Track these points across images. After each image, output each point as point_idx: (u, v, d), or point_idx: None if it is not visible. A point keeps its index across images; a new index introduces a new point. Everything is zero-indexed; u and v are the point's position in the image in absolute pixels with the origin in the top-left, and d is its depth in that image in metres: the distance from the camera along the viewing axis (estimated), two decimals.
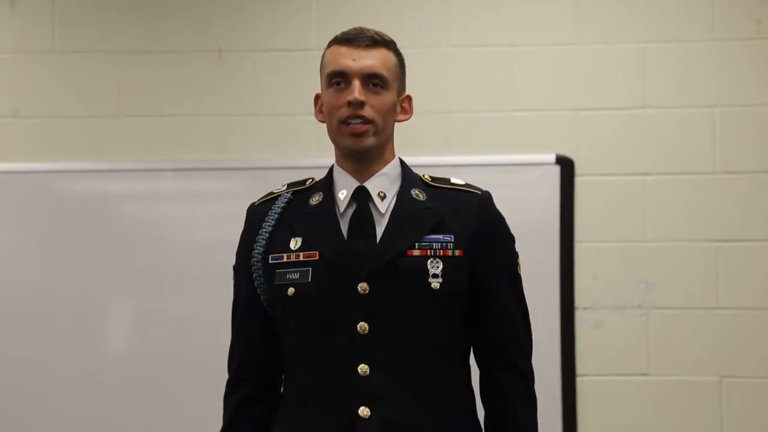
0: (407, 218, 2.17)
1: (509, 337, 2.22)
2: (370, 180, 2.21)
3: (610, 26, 4.02)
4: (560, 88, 4.02)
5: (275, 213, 2.23)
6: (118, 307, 4.06)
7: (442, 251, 2.15)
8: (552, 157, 3.95)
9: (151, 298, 4.01)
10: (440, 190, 2.23)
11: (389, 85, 2.19)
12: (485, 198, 2.24)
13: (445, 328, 2.16)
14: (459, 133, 4.02)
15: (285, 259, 2.18)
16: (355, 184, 2.21)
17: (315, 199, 2.23)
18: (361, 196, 2.20)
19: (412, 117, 2.29)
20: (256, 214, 2.27)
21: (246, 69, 4.13)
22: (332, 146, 2.25)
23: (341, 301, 2.11)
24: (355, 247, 2.14)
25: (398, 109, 2.24)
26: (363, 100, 2.15)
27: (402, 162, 2.27)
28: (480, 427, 2.22)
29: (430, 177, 2.27)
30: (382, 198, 2.20)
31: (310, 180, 2.29)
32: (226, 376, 2.29)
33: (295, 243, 2.19)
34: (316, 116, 2.27)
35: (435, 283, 2.13)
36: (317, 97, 2.26)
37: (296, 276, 2.15)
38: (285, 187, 2.29)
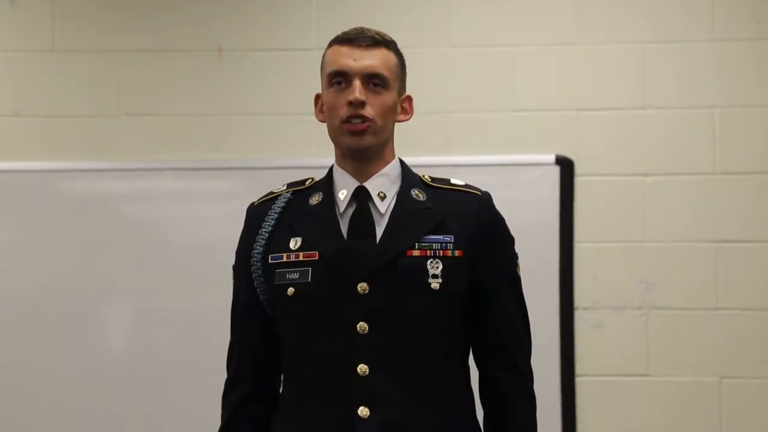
0: (407, 218, 2.17)
1: (509, 337, 2.22)
2: (370, 180, 2.21)
3: (610, 26, 4.02)
4: (560, 88, 4.02)
5: (275, 213, 2.24)
6: (117, 306, 4.06)
7: (441, 251, 2.15)
8: (552, 158, 3.95)
9: (150, 297, 4.01)
10: (440, 191, 2.23)
11: (390, 85, 2.19)
12: (485, 198, 2.24)
13: (444, 329, 2.16)
14: (459, 133, 4.02)
15: (285, 259, 2.18)
16: (355, 184, 2.21)
17: (315, 199, 2.23)
18: (361, 196, 2.20)
19: (412, 117, 2.29)
20: (255, 213, 2.27)
21: (246, 68, 4.13)
22: (332, 146, 2.25)
23: (341, 301, 2.11)
24: (355, 247, 2.14)
25: (398, 109, 2.24)
26: (363, 99, 2.15)
27: (402, 162, 2.27)
28: (479, 427, 2.22)
29: (430, 177, 2.27)
30: (382, 198, 2.20)
31: (310, 180, 2.29)
32: (225, 376, 2.29)
33: (294, 243, 2.19)
34: (317, 116, 2.27)
35: (435, 284, 2.13)
36: (317, 97, 2.26)
37: (296, 276, 2.15)
38: (285, 187, 2.29)
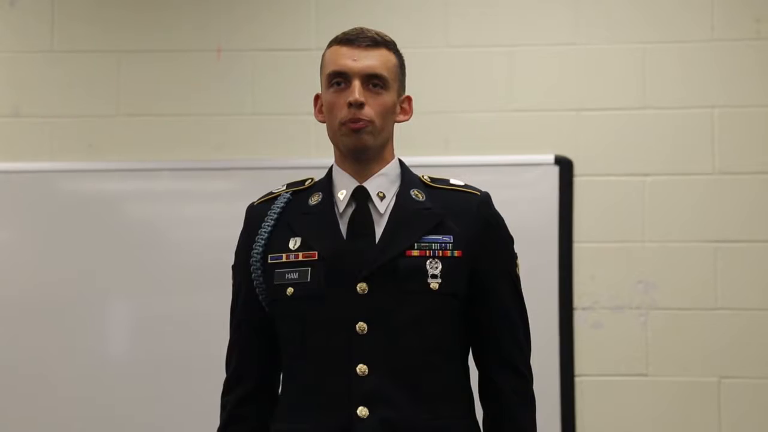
0: (406, 218, 2.18)
1: (508, 337, 2.22)
2: (369, 180, 2.21)
3: (610, 26, 4.03)
4: (559, 88, 4.02)
5: (274, 213, 2.24)
6: (116, 307, 4.06)
7: (441, 252, 2.15)
8: (551, 158, 3.95)
9: (149, 297, 4.01)
10: (439, 191, 2.23)
11: (389, 85, 2.19)
12: (484, 199, 2.24)
13: (443, 329, 2.16)
14: (458, 134, 4.02)
15: (284, 259, 2.18)
16: (354, 184, 2.21)
17: (314, 199, 2.23)
18: (360, 196, 2.20)
19: (411, 117, 2.29)
20: (255, 214, 2.27)
21: (245, 68, 4.13)
22: (332, 146, 2.25)
23: (340, 301, 2.12)
24: (355, 247, 2.14)
25: (398, 109, 2.24)
26: (363, 100, 2.15)
27: (401, 162, 2.27)
28: (478, 427, 2.22)
29: (430, 178, 2.27)
30: (382, 198, 2.20)
31: (310, 180, 2.29)
32: (225, 376, 2.29)
33: (294, 243, 2.19)
34: (316, 116, 2.27)
35: (434, 284, 2.14)
36: (317, 97, 2.27)
37: (295, 276, 2.16)
38: (284, 187, 2.29)
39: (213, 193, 4.10)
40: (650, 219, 3.95)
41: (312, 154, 3.89)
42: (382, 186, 2.21)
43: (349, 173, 2.22)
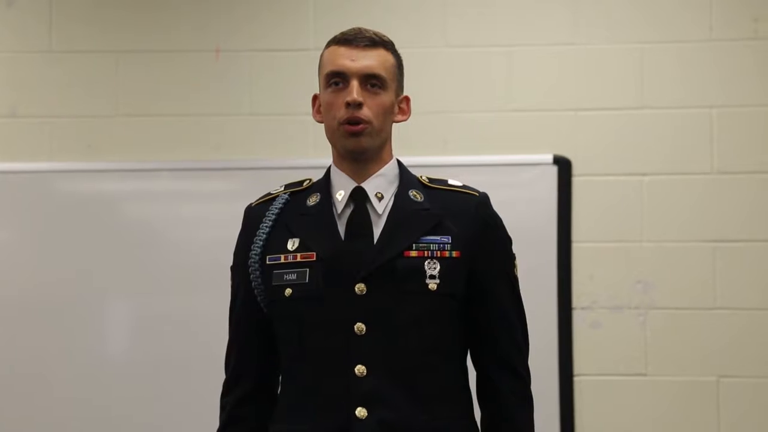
0: (405, 219, 2.17)
1: (506, 338, 2.22)
2: (367, 181, 2.20)
3: (608, 27, 4.02)
4: (558, 88, 4.02)
5: (272, 214, 2.23)
6: (115, 307, 4.06)
7: (439, 252, 2.15)
8: (549, 158, 3.95)
9: (148, 297, 4.01)
10: (438, 191, 2.23)
11: (387, 85, 2.19)
12: (483, 199, 2.24)
13: (442, 329, 2.15)
14: (456, 134, 4.02)
15: (282, 260, 2.18)
16: (352, 184, 2.20)
17: (312, 200, 2.23)
18: (358, 196, 2.19)
19: (409, 117, 2.29)
20: (253, 215, 2.26)
21: (244, 69, 4.13)
22: (329, 146, 2.25)
23: (338, 302, 2.11)
24: (353, 247, 2.14)
25: (396, 109, 2.24)
26: (361, 101, 2.15)
27: (400, 163, 2.27)
28: (477, 428, 2.22)
29: (428, 178, 2.27)
30: (380, 199, 2.20)
31: (308, 181, 2.29)
32: (224, 376, 2.29)
33: (292, 244, 2.19)
34: (314, 116, 2.27)
35: (432, 284, 2.13)
36: (315, 98, 2.26)
37: (293, 277, 2.15)
38: (282, 188, 2.29)
39: (211, 193, 4.10)
40: (649, 219, 3.95)
41: (310, 154, 3.89)
42: (381, 187, 2.21)
43: (347, 174, 2.21)
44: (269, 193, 2.29)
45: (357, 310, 2.11)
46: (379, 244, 2.15)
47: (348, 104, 2.15)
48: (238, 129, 4.11)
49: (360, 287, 2.12)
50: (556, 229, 3.92)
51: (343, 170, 2.22)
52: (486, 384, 2.22)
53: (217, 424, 2.28)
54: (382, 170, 2.22)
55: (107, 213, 4.06)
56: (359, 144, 2.17)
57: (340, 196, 2.20)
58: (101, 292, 4.02)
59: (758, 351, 3.88)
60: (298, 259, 2.17)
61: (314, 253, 2.15)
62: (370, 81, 2.17)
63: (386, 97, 2.19)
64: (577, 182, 3.96)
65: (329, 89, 2.19)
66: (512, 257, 2.26)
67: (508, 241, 2.26)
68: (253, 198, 2.32)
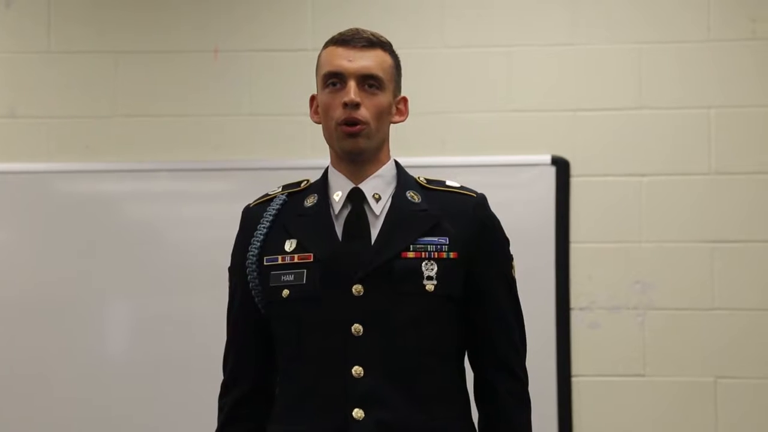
0: (402, 220, 2.17)
1: (504, 339, 2.21)
2: (365, 182, 2.20)
3: (606, 27, 4.03)
4: (556, 88, 4.02)
5: (270, 215, 2.23)
6: (114, 307, 4.06)
7: (436, 253, 2.15)
8: (548, 158, 3.96)
9: (147, 297, 4.01)
10: (435, 192, 2.23)
11: (385, 86, 2.19)
12: (480, 200, 2.24)
13: (439, 331, 2.15)
14: (454, 134, 4.02)
15: (280, 261, 2.18)
16: (350, 185, 2.20)
17: (310, 201, 2.23)
18: (356, 197, 2.19)
19: (407, 118, 2.29)
20: (251, 215, 2.26)
21: (242, 69, 4.13)
22: (327, 147, 2.25)
23: (336, 303, 2.11)
24: (350, 249, 2.14)
25: (394, 110, 2.24)
26: (358, 101, 2.15)
27: (397, 164, 2.27)
28: (474, 429, 2.22)
29: (426, 179, 2.27)
30: (377, 200, 2.20)
31: (305, 182, 2.29)
32: (222, 377, 2.29)
33: (289, 245, 2.19)
34: (312, 117, 2.27)
35: (429, 286, 2.13)
36: (312, 98, 2.26)
37: (291, 278, 2.15)
38: (280, 189, 2.29)
39: (210, 193, 4.10)
40: (647, 219, 3.95)
41: (309, 154, 3.89)
42: (378, 187, 2.21)
43: (344, 175, 2.21)
44: (267, 194, 2.29)
45: (354, 311, 2.11)
46: (377, 245, 2.15)
47: (345, 104, 2.15)
48: (237, 129, 4.11)
49: (357, 288, 2.12)
50: (554, 229, 3.92)
51: (340, 171, 2.22)
52: (483, 385, 2.22)
53: (215, 424, 2.28)
54: (379, 171, 2.22)
55: (106, 213, 4.06)
56: (357, 145, 2.17)
57: (338, 197, 2.20)
58: (100, 292, 4.02)
59: (756, 352, 3.88)
60: (296, 260, 2.17)
61: (311, 254, 2.15)
62: (368, 81, 2.17)
63: (384, 98, 2.18)
64: (576, 183, 3.96)
65: (326, 90, 2.19)
66: (510, 258, 2.26)
67: (506, 242, 2.26)
68: (252, 198, 2.32)
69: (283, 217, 2.22)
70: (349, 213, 2.18)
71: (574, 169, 3.96)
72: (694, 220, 3.94)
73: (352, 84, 2.16)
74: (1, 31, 4.21)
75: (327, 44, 2.23)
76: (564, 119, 4.00)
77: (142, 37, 4.17)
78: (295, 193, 2.26)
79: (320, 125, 2.23)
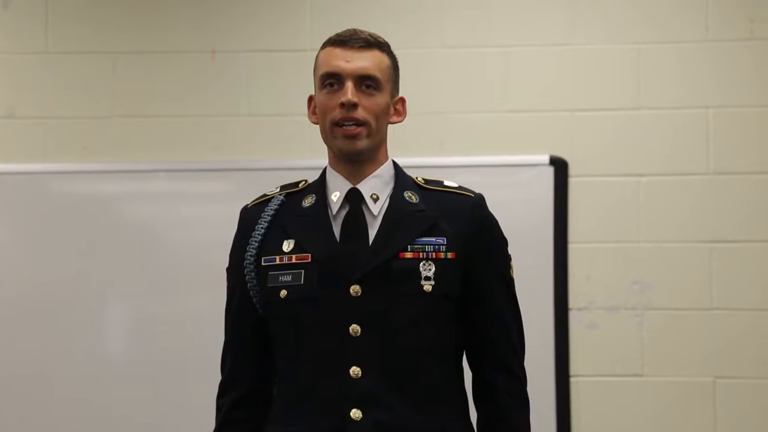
0: (400, 220, 2.17)
1: (502, 339, 2.21)
2: (363, 182, 2.20)
3: (605, 27, 4.03)
4: (554, 88, 4.02)
5: (268, 215, 2.23)
6: (113, 308, 4.06)
7: (434, 254, 2.15)
8: (546, 158, 3.96)
9: (146, 298, 4.01)
10: (433, 193, 2.23)
11: (382, 87, 2.19)
12: (478, 200, 2.24)
13: (437, 331, 2.15)
14: (453, 134, 4.02)
15: (277, 261, 2.18)
16: (347, 186, 2.20)
17: (308, 201, 2.23)
18: (353, 198, 2.19)
19: (405, 119, 2.29)
20: (249, 216, 2.26)
21: (240, 69, 4.13)
22: (326, 147, 2.25)
23: (333, 304, 2.11)
24: (348, 249, 2.14)
25: (391, 111, 2.24)
26: (356, 101, 2.15)
27: (395, 164, 2.27)
28: (473, 429, 2.21)
29: (424, 179, 2.26)
30: (375, 200, 2.20)
31: (303, 182, 2.29)
32: (219, 377, 2.29)
33: (287, 245, 2.18)
34: (310, 118, 2.26)
35: (427, 286, 2.13)
36: (310, 99, 2.26)
37: (289, 278, 2.15)
38: (278, 189, 2.29)
39: (208, 194, 4.10)
40: (646, 219, 3.95)
41: (307, 155, 3.88)
42: (376, 188, 2.21)
43: (342, 175, 2.21)
44: (265, 194, 2.29)
45: (352, 312, 2.11)
46: (375, 245, 2.15)
47: (342, 105, 2.15)
48: (236, 130, 4.11)
49: (355, 289, 2.12)
50: (552, 229, 3.92)
51: (338, 171, 2.22)
52: (482, 385, 2.21)
53: (214, 424, 2.28)
54: (377, 171, 2.22)
55: (104, 214, 4.06)
56: (354, 146, 2.17)
57: (336, 197, 2.20)
58: (98, 292, 4.02)
59: (755, 352, 3.88)
60: (293, 261, 2.16)
61: (309, 255, 2.15)
62: (365, 82, 2.16)
63: (381, 99, 2.18)
64: (574, 183, 3.96)
65: (324, 90, 2.18)
66: (508, 258, 2.25)
67: (504, 241, 2.26)
68: (250, 199, 2.32)
69: (281, 218, 2.22)
70: (347, 213, 2.18)
71: (572, 170, 3.96)
72: (692, 220, 3.94)
73: (349, 84, 2.16)
74: None
75: (324, 45, 2.23)
76: (562, 119, 4.00)
77: (140, 38, 4.17)
78: (293, 193, 2.26)
79: (318, 126, 2.23)
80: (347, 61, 2.17)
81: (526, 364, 2.26)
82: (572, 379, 3.90)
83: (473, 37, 4.06)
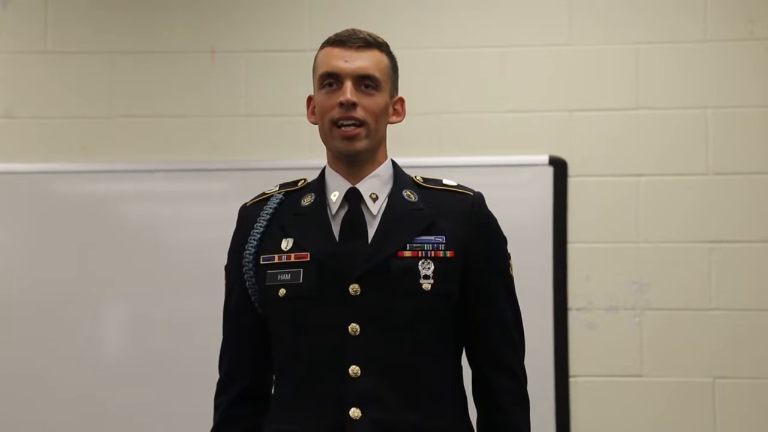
0: (399, 219, 2.17)
1: (501, 337, 2.21)
2: (362, 181, 2.20)
3: (603, 27, 4.03)
4: (553, 89, 4.02)
5: (267, 214, 2.23)
6: (111, 308, 4.06)
7: (433, 252, 2.15)
8: (545, 158, 3.96)
9: (144, 298, 4.01)
10: (432, 191, 2.23)
11: (381, 86, 2.19)
12: (477, 199, 2.24)
13: (436, 329, 2.15)
14: (452, 134, 4.02)
15: (276, 260, 2.18)
16: (347, 185, 2.20)
17: (307, 200, 2.23)
18: (352, 197, 2.19)
19: (404, 119, 2.28)
20: (247, 214, 2.26)
21: (240, 70, 4.13)
22: (325, 147, 2.25)
23: (332, 303, 2.11)
24: (347, 248, 2.14)
25: (391, 111, 2.24)
26: (355, 101, 2.15)
27: (394, 163, 2.27)
28: (472, 428, 2.22)
29: (422, 178, 2.27)
30: (374, 199, 2.20)
31: (303, 181, 2.29)
32: (217, 376, 2.29)
33: (286, 244, 2.18)
34: (309, 118, 2.27)
35: (426, 285, 2.13)
36: (309, 99, 2.26)
37: (287, 277, 2.15)
38: (277, 188, 2.29)
39: (207, 194, 4.10)
40: (644, 219, 3.95)
41: (306, 155, 3.88)
42: (375, 187, 2.21)
43: (341, 174, 2.21)
44: (264, 193, 2.29)
45: (351, 311, 2.11)
46: (373, 244, 2.15)
47: (341, 104, 2.15)
48: (234, 130, 4.10)
49: (354, 288, 2.12)
50: (551, 229, 3.92)
51: (337, 171, 2.22)
52: (481, 383, 2.22)
53: (211, 424, 2.28)
54: (376, 171, 2.22)
55: (103, 214, 4.06)
56: (353, 147, 2.17)
57: (335, 196, 2.20)
58: (97, 292, 4.02)
59: (754, 352, 3.88)
60: (292, 260, 2.17)
61: (308, 254, 2.15)
62: (364, 82, 2.17)
63: (380, 98, 2.18)
64: (573, 183, 3.96)
65: (323, 90, 2.19)
66: (507, 256, 2.26)
67: (503, 240, 2.26)
68: (248, 198, 2.32)
69: (280, 216, 2.22)
70: (346, 213, 2.18)
71: (571, 170, 3.96)
72: (691, 221, 3.94)
73: (348, 84, 2.16)
74: None
75: (323, 45, 2.24)
76: (561, 119, 4.00)
77: (140, 38, 4.17)
78: (292, 192, 2.27)
79: (317, 126, 2.23)
80: (346, 61, 2.17)
81: (525, 363, 2.26)
82: (571, 379, 3.90)
83: (472, 37, 4.06)
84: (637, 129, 3.98)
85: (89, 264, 4.01)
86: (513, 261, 2.28)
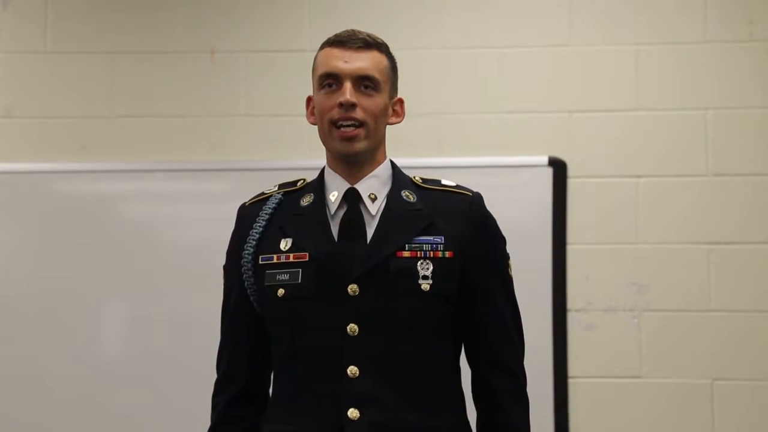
0: (397, 220, 2.17)
1: (501, 338, 2.21)
2: (361, 182, 2.20)
3: (603, 28, 4.03)
4: (553, 89, 4.02)
5: (266, 213, 2.23)
6: (111, 308, 4.06)
7: (432, 252, 2.15)
8: (544, 159, 3.95)
9: (144, 298, 4.01)
10: (431, 192, 2.23)
11: (381, 87, 2.19)
12: (476, 199, 2.24)
13: (435, 330, 2.15)
14: (451, 135, 4.02)
15: (275, 260, 2.18)
16: (346, 185, 2.20)
17: (306, 200, 2.23)
18: (351, 197, 2.19)
19: (403, 120, 2.28)
20: (246, 214, 2.27)
21: (239, 70, 4.13)
22: (324, 147, 2.25)
23: (331, 303, 2.11)
24: (346, 248, 2.14)
25: (390, 111, 2.24)
26: (354, 101, 2.15)
27: (393, 164, 2.27)
28: (470, 428, 2.22)
29: (421, 179, 2.27)
30: (373, 200, 2.20)
31: (302, 181, 2.29)
32: (215, 376, 2.29)
33: (285, 244, 2.18)
34: (308, 118, 2.27)
35: (425, 285, 2.13)
36: (309, 100, 2.26)
37: (286, 277, 2.15)
38: (276, 188, 2.29)
39: (207, 194, 4.10)
40: (644, 220, 3.95)
41: (305, 155, 3.88)
42: (374, 187, 2.21)
43: (340, 175, 2.21)
44: (263, 193, 2.29)
45: (349, 311, 2.11)
46: (372, 244, 2.15)
47: (341, 105, 2.15)
48: (234, 130, 4.10)
49: (353, 288, 2.12)
50: (551, 230, 3.92)
51: (336, 171, 2.22)
52: (481, 384, 2.22)
53: (209, 424, 2.28)
54: (375, 171, 2.22)
55: (102, 214, 4.06)
56: (352, 148, 2.17)
57: (334, 197, 2.20)
58: (97, 292, 4.02)
59: (753, 353, 3.88)
60: (291, 260, 2.17)
61: (307, 254, 2.15)
62: (364, 83, 2.17)
63: (380, 99, 2.18)
64: (573, 184, 3.96)
65: (322, 91, 2.19)
66: (506, 257, 2.26)
67: (502, 240, 2.26)
68: (247, 198, 2.31)
69: (279, 216, 2.22)
70: (345, 213, 2.18)
71: (571, 171, 3.96)
72: (690, 222, 3.93)
73: (347, 85, 2.16)
74: None
75: (323, 45, 2.24)
76: (561, 120, 4.00)
77: (139, 38, 4.17)
78: (291, 192, 2.27)
79: (316, 126, 2.23)
80: (346, 62, 2.17)
81: (524, 364, 2.26)
82: (570, 381, 3.90)
83: (472, 38, 4.06)
84: (637, 130, 3.98)
85: (89, 264, 4.01)
86: (512, 262, 2.28)
